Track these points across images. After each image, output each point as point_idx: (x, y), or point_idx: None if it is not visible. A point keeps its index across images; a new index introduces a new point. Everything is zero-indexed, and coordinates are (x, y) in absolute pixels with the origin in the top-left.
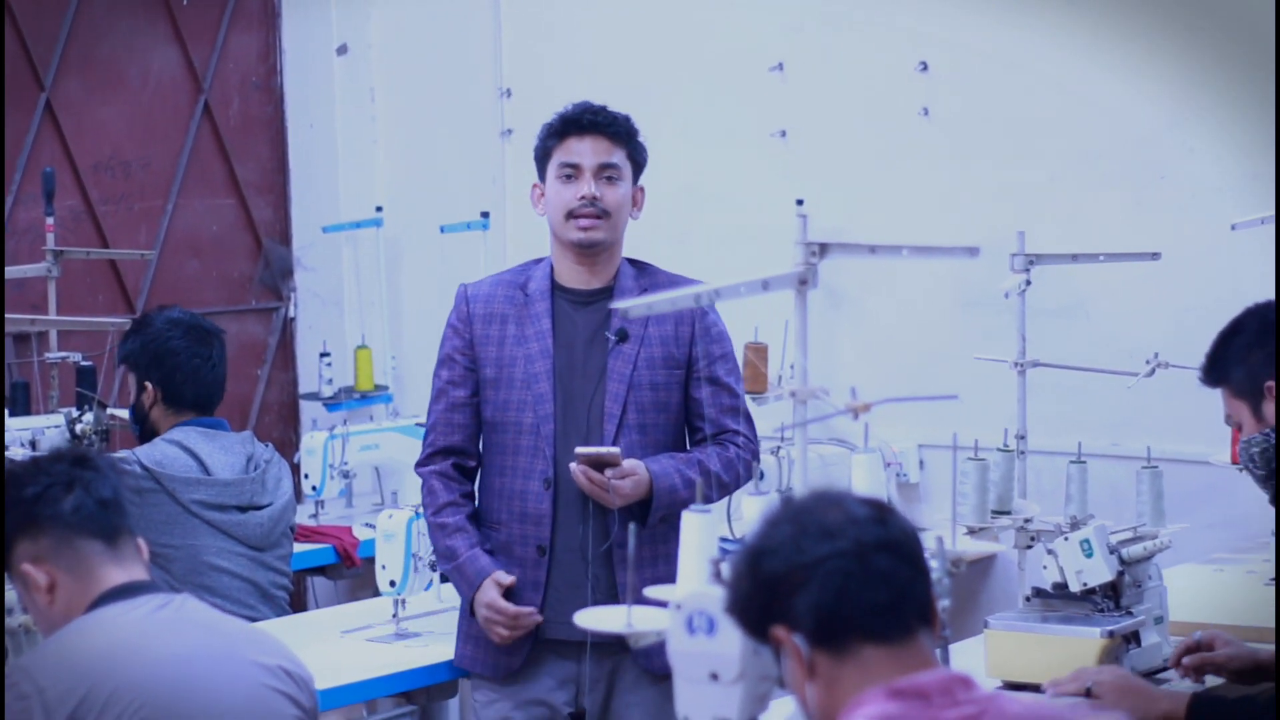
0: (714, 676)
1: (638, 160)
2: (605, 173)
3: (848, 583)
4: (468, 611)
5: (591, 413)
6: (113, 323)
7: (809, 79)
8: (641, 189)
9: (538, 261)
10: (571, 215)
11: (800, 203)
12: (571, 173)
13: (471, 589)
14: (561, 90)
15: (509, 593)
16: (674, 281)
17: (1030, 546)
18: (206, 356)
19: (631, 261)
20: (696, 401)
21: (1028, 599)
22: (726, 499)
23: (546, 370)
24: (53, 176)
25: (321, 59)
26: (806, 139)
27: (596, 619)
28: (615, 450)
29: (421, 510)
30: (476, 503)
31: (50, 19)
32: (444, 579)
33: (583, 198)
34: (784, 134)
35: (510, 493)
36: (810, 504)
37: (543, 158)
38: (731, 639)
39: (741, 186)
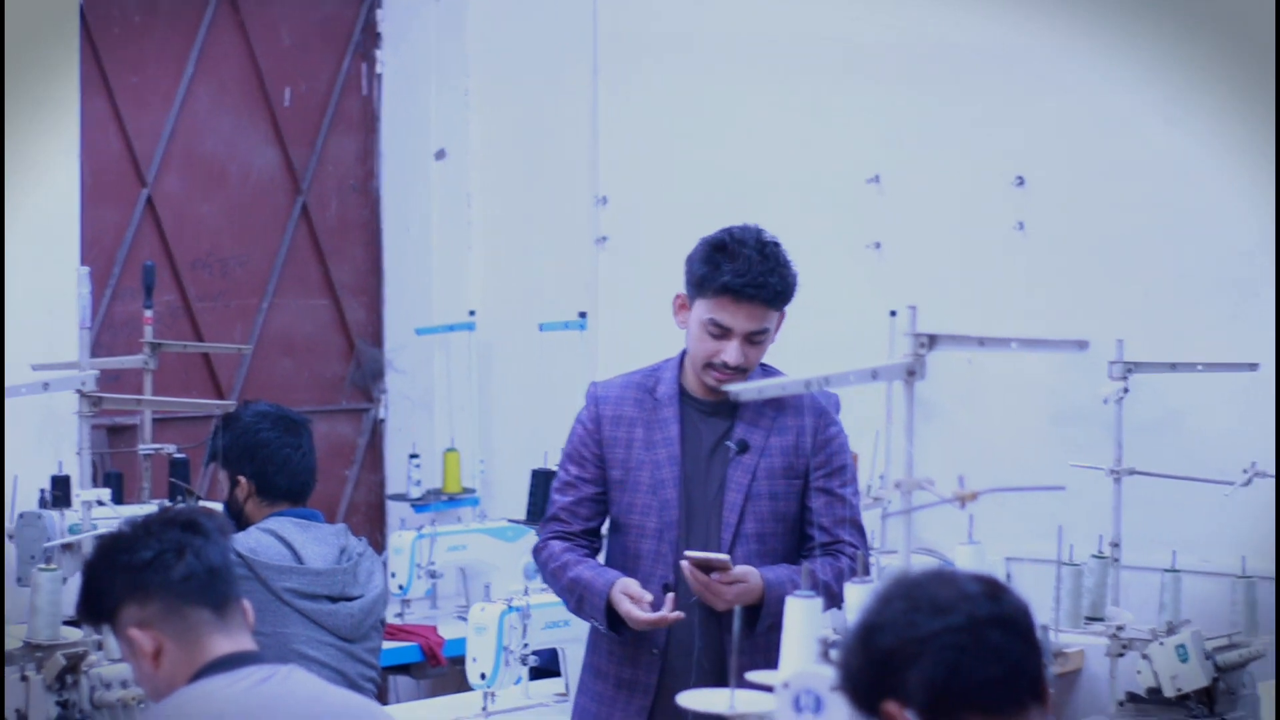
0: None
1: (790, 302)
2: (754, 337)
3: (961, 658)
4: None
5: (710, 521)
6: (216, 404)
7: (905, 191)
8: (784, 313)
9: (668, 362)
10: (710, 367)
11: (894, 314)
12: (719, 334)
13: (602, 599)
14: (658, 199)
15: (621, 687)
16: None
17: (1123, 654)
18: (297, 446)
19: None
20: (811, 511)
21: (1121, 704)
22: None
23: (674, 477)
24: (153, 271)
25: (419, 163)
26: (901, 251)
27: (700, 700)
28: (724, 557)
29: (538, 574)
30: None
31: (154, 115)
32: (536, 673)
33: (725, 363)
34: (879, 246)
35: None
36: (922, 580)
37: (695, 284)
38: (838, 718)
39: (835, 297)
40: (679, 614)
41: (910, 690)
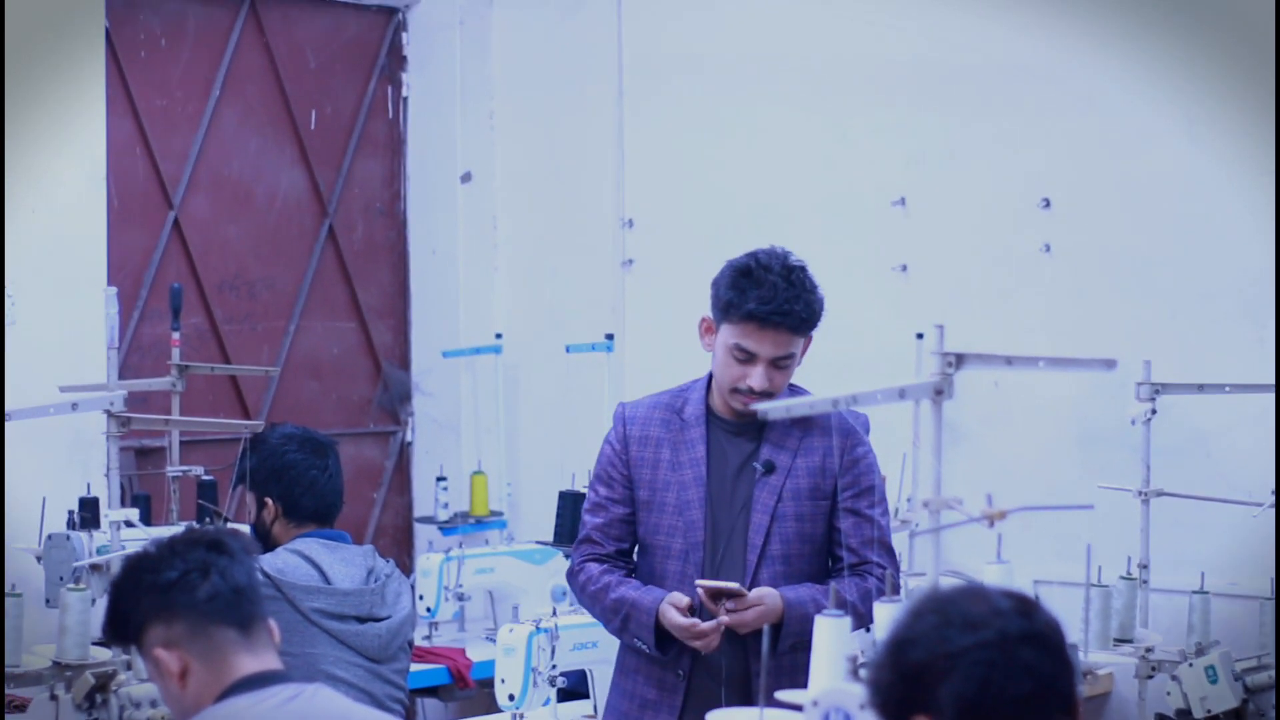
0: None
1: (816, 328)
2: (780, 362)
3: (991, 674)
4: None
5: (735, 542)
6: (244, 425)
7: (931, 214)
8: (810, 336)
9: (695, 383)
10: (737, 391)
11: (920, 337)
12: (744, 358)
13: (651, 617)
14: (683, 222)
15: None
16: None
17: (1152, 676)
18: (324, 468)
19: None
20: (838, 532)
21: None
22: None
23: (700, 498)
24: (180, 293)
25: (445, 186)
26: (927, 273)
27: (729, 718)
28: (734, 585)
29: (567, 596)
30: None
31: (181, 137)
32: (565, 695)
33: (751, 388)
34: (905, 268)
35: None
36: (954, 595)
37: (721, 309)
38: None
39: (861, 320)
40: (724, 618)
41: (941, 705)
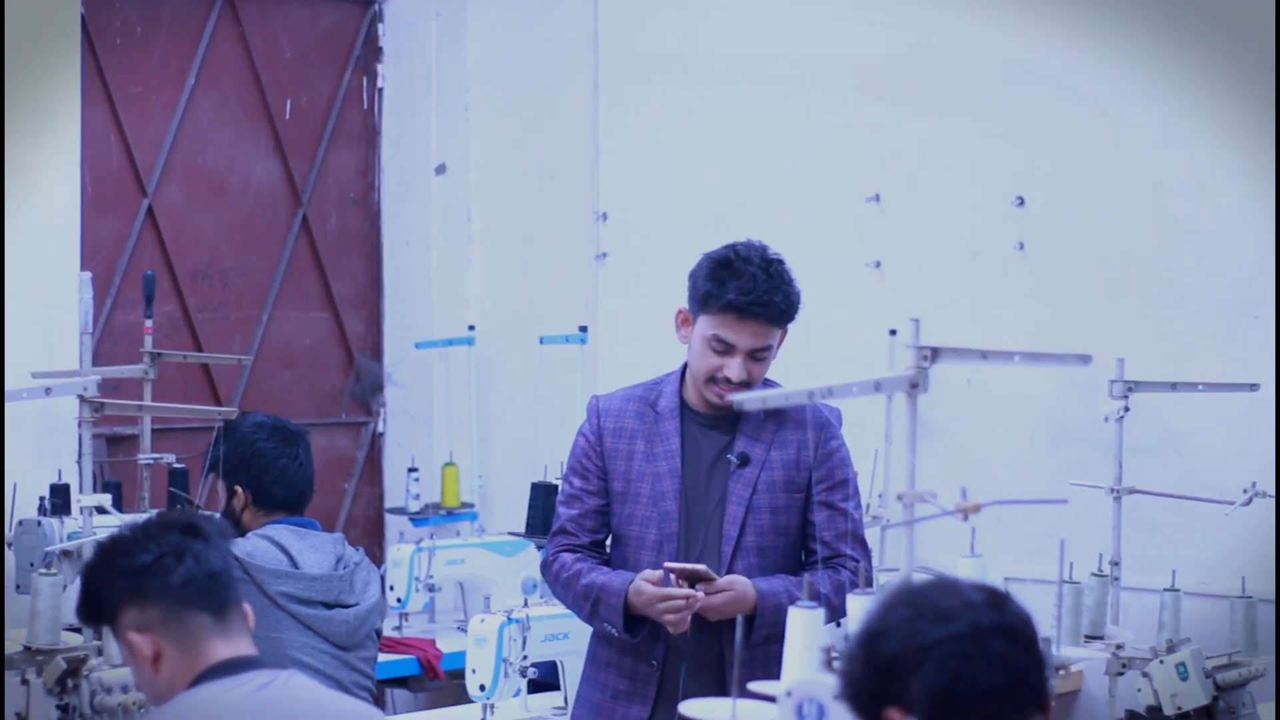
0: None
1: (794, 320)
2: (757, 354)
3: (964, 666)
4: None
5: (710, 534)
6: (216, 410)
7: (905, 210)
8: (786, 330)
9: (669, 376)
10: (713, 381)
11: (893, 333)
12: (722, 349)
13: (620, 598)
14: (658, 216)
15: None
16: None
17: (1122, 673)
18: (294, 456)
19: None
20: (812, 524)
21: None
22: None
23: (675, 490)
24: (154, 280)
25: (420, 177)
26: (901, 270)
27: (702, 709)
28: (701, 567)
29: (536, 589)
30: None
31: (155, 124)
32: (535, 686)
33: (728, 379)
34: (879, 264)
35: None
36: (926, 588)
37: (699, 300)
38: None
39: (835, 316)
40: (697, 593)
41: (913, 697)
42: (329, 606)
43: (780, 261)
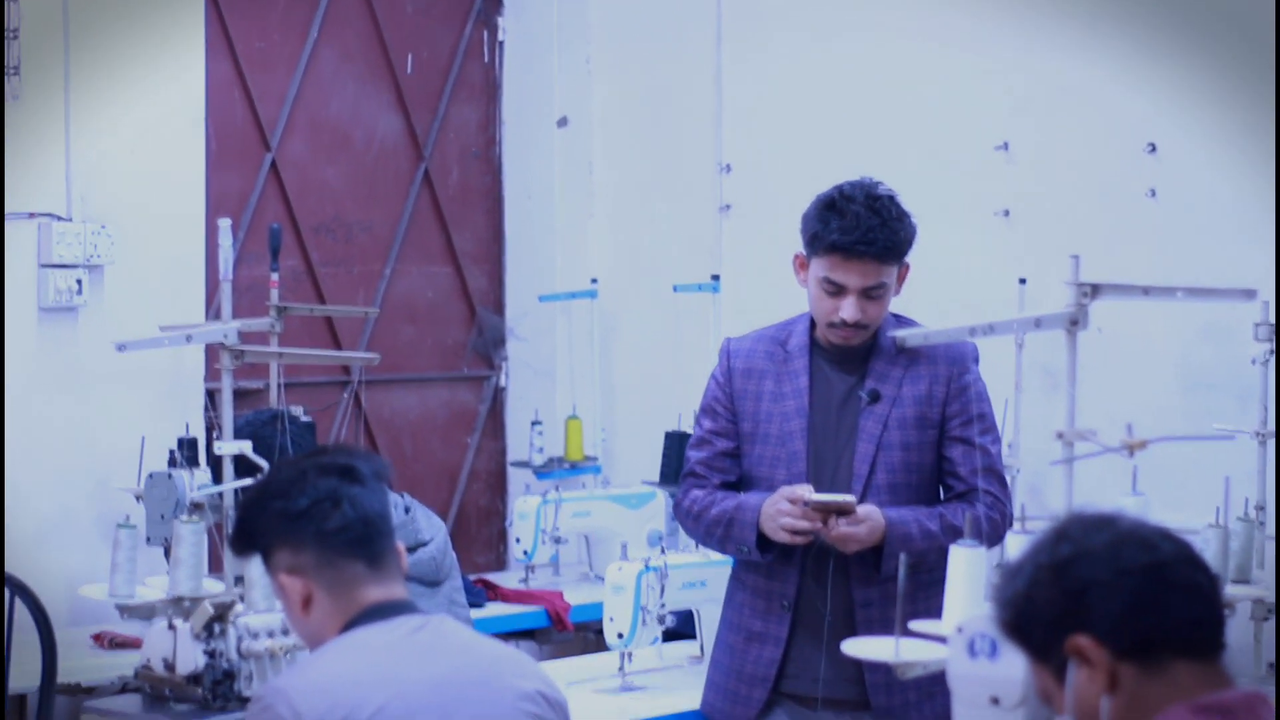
0: (995, 701)
1: (906, 255)
2: (871, 293)
3: (1170, 594)
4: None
5: (839, 472)
6: (352, 356)
7: (1034, 158)
8: (907, 265)
9: (802, 316)
10: (832, 325)
11: (1023, 282)
12: (834, 290)
13: (755, 514)
14: (782, 167)
15: (752, 640)
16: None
17: (1268, 618)
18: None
19: (893, 315)
20: (949, 460)
21: (1271, 665)
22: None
23: (802, 429)
24: (279, 233)
25: (542, 131)
26: (1030, 219)
27: (864, 649)
28: (849, 498)
29: (683, 526)
30: None
31: (278, 78)
32: (670, 635)
33: (844, 320)
34: (1007, 213)
35: None
36: (1117, 517)
37: (809, 242)
38: (1014, 662)
39: (963, 265)
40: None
41: (1108, 625)
42: (411, 550)
43: (889, 198)
